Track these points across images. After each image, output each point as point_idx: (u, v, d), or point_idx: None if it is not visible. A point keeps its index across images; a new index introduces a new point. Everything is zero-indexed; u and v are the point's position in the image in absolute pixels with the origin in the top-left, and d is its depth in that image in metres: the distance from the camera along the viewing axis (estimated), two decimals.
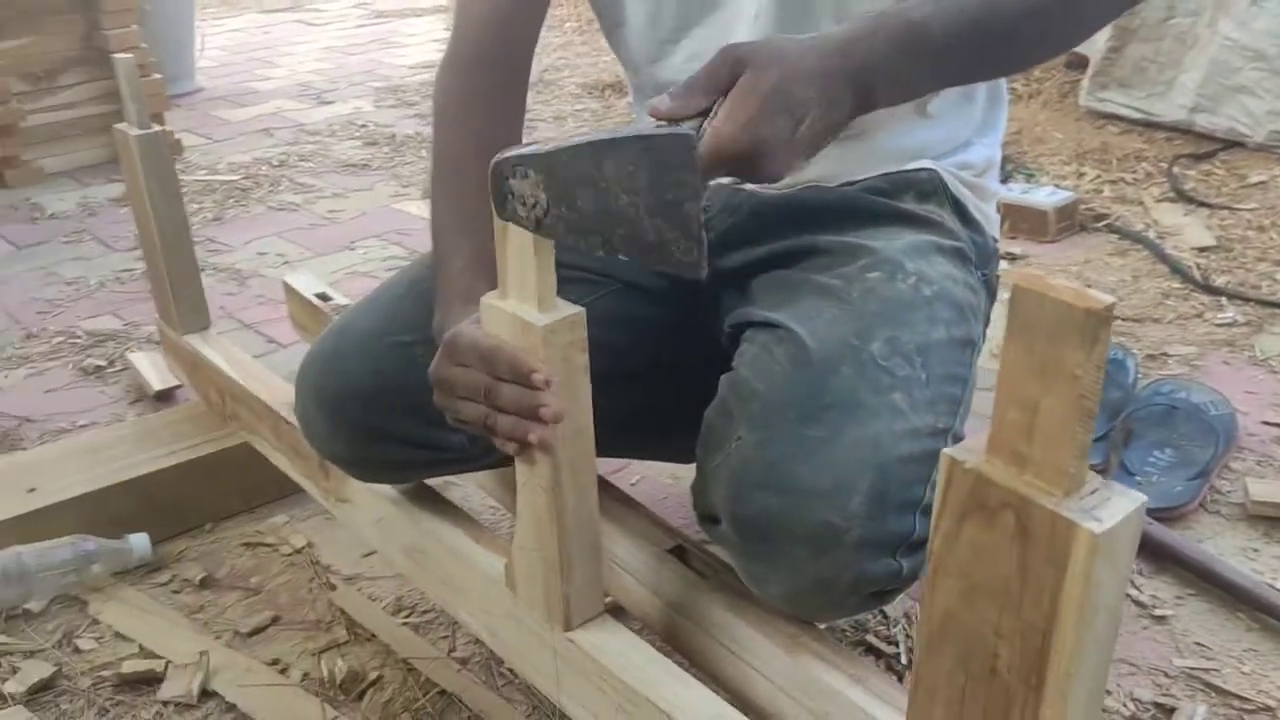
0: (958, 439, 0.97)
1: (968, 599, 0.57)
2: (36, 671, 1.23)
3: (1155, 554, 1.36)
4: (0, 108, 2.97)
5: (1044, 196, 2.33)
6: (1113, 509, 0.52)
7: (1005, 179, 2.54)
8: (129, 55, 1.50)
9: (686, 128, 0.78)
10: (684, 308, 1.18)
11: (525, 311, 0.86)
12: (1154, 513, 1.41)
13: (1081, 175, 2.60)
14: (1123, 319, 1.94)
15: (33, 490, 1.40)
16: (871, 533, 0.87)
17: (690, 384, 1.16)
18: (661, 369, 1.20)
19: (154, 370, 1.88)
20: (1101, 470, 1.56)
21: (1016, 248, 2.27)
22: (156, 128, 1.50)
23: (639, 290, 1.17)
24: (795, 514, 0.87)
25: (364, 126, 3.54)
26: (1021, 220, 2.32)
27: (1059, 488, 0.52)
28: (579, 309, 0.87)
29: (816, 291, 1.03)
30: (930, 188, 1.12)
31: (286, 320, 1.89)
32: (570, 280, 1.11)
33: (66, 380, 1.94)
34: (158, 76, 3.24)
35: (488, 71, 1.12)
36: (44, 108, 3.13)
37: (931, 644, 0.60)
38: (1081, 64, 3.01)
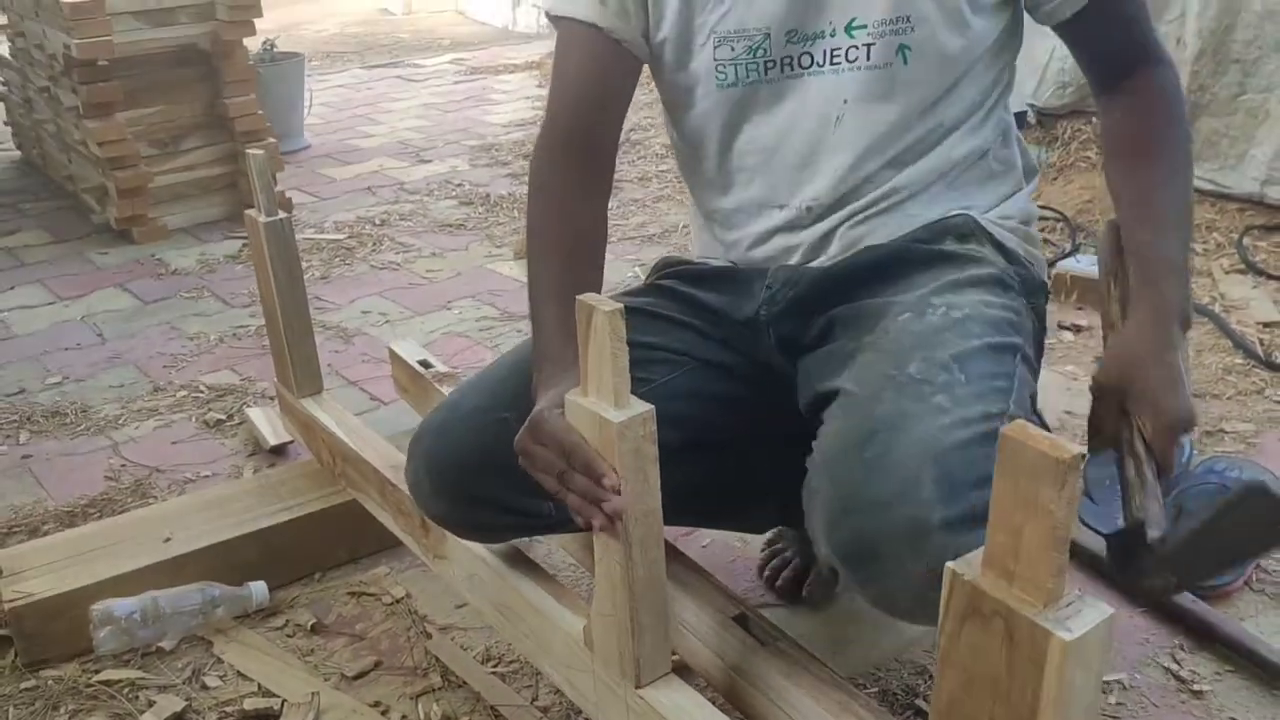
0: (1015, 419, 1.07)
1: (968, 688, 0.68)
2: (169, 706, 1.38)
3: (1197, 632, 1.43)
4: (131, 171, 3.22)
5: None
6: (1084, 619, 0.63)
7: (1074, 250, 2.61)
8: (260, 150, 1.67)
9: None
10: (757, 384, 1.30)
11: (603, 409, 0.99)
12: (1199, 591, 1.48)
13: None
14: None
15: (168, 540, 1.57)
16: (953, 511, 0.94)
17: (761, 458, 1.27)
18: (735, 442, 1.32)
19: (269, 425, 2.06)
20: None
21: (1083, 319, 2.34)
22: (282, 215, 1.68)
23: (716, 367, 1.29)
24: (881, 523, 0.96)
25: (460, 185, 3.73)
26: (1088, 291, 2.39)
27: (1039, 600, 0.63)
28: (649, 407, 0.99)
29: (863, 349, 1.14)
30: (967, 229, 1.23)
31: (389, 380, 2.05)
32: (652, 361, 1.24)
33: (190, 433, 2.13)
34: (272, 140, 3.48)
35: (576, 154, 1.25)
36: (168, 169, 3.39)
37: None
38: None
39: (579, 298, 0.98)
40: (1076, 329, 2.30)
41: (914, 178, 1.22)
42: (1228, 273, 2.51)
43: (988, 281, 1.20)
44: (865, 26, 1.16)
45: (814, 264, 1.26)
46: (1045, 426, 1.14)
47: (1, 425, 2.18)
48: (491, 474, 1.20)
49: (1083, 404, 1.99)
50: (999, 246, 1.24)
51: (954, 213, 1.24)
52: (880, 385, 1.06)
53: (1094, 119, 3.27)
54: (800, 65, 1.19)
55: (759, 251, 1.28)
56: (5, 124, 4.36)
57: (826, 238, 1.24)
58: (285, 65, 4.27)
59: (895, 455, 0.98)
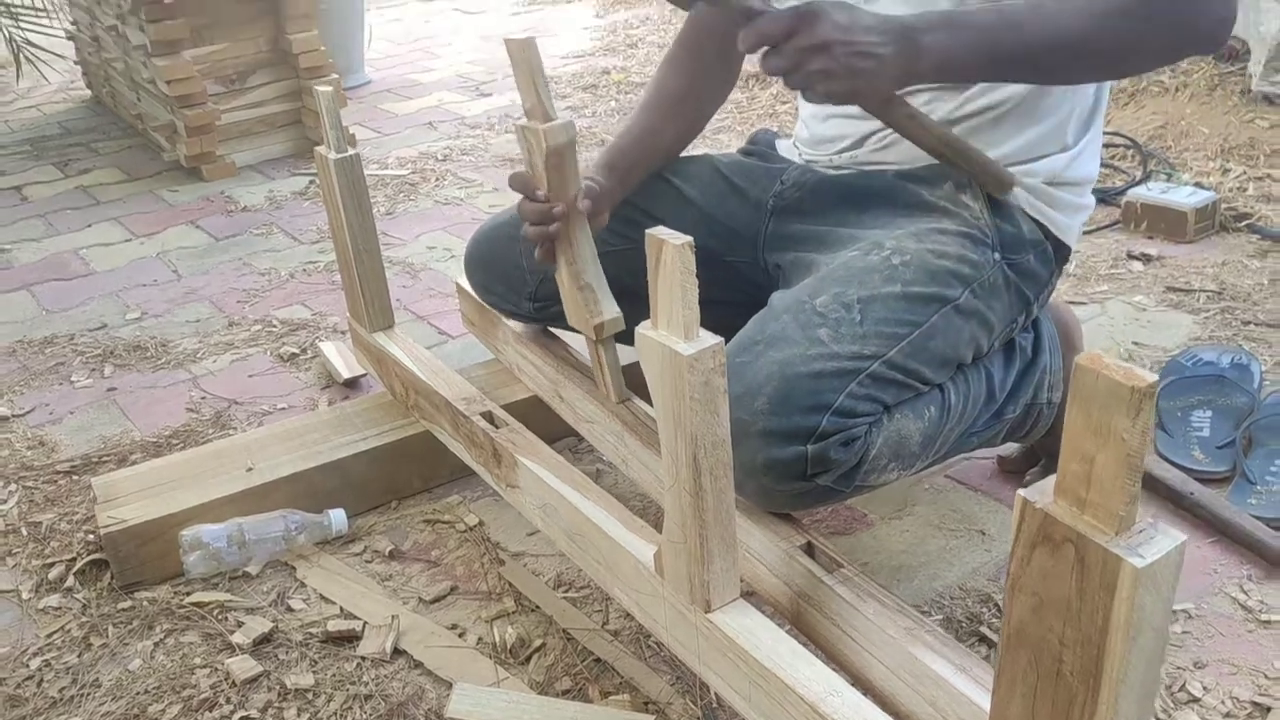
0: (899, 368, 1.17)
1: (1037, 613, 0.69)
2: (258, 626, 1.45)
3: (1268, 561, 1.42)
4: (199, 109, 3.27)
5: (1183, 197, 2.35)
6: (1156, 546, 0.64)
7: (1146, 177, 2.55)
8: (329, 88, 1.68)
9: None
10: (745, 261, 1.47)
11: (673, 341, 1.00)
12: (1272, 522, 1.48)
13: (1226, 171, 2.59)
14: (1256, 324, 1.97)
15: (250, 469, 1.63)
16: (775, 425, 1.12)
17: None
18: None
19: (341, 359, 2.11)
20: (1228, 478, 1.61)
21: (1153, 249, 2.30)
22: (351, 151, 1.70)
23: (724, 233, 1.48)
24: None
25: (520, 119, 3.72)
26: (1159, 220, 2.35)
27: (1111, 528, 0.64)
28: (719, 339, 1.01)
29: (814, 269, 1.28)
30: (967, 180, 1.29)
31: (456, 314, 2.09)
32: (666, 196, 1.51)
33: (266, 366, 2.19)
34: (335, 76, 3.49)
35: (709, 40, 1.50)
36: (234, 107, 3.43)
37: (1009, 647, 0.73)
38: (1232, 56, 2.97)
39: (649, 231, 0.99)
40: (1146, 258, 2.26)
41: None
42: None
43: (954, 234, 1.26)
44: None
45: (831, 166, 1.39)
46: (955, 370, 1.24)
47: (87, 359, 2.26)
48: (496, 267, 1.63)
49: (1151, 334, 1.97)
50: (991, 200, 1.29)
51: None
52: (788, 307, 1.20)
53: None
54: None
55: (820, 129, 1.43)
56: (75, 63, 4.43)
57: (864, 139, 1.36)
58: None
59: (755, 365, 1.15)
